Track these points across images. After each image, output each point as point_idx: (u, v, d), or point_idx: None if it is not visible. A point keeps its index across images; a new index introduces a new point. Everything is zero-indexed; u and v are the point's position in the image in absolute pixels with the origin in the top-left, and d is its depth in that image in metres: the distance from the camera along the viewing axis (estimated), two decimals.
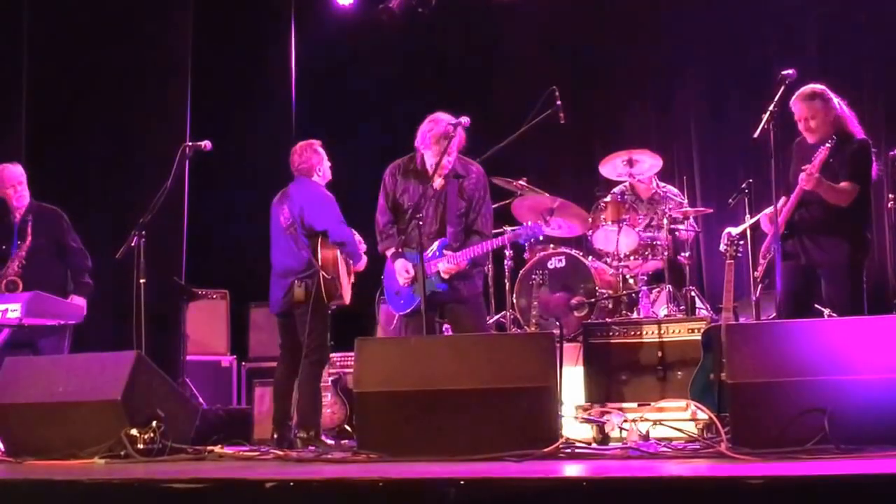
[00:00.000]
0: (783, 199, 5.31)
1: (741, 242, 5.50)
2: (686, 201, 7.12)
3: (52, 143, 8.08)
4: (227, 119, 8.79)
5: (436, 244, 5.38)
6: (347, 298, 5.83)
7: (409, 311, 5.40)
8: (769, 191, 5.21)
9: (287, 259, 5.77)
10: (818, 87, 5.33)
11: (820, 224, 5.25)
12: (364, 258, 5.89)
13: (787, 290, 5.22)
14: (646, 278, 6.76)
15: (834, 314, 5.22)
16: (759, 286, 5.67)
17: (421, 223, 5.19)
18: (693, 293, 6.52)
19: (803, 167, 5.18)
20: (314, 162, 5.89)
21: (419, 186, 5.42)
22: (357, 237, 5.88)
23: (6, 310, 5.65)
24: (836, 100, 5.32)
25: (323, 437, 5.73)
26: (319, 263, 5.63)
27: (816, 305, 5.48)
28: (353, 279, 5.94)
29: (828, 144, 5.16)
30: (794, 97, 5.30)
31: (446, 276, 5.31)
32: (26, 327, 5.77)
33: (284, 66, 9.40)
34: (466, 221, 5.44)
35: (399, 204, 5.51)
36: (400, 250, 5.41)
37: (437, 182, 5.41)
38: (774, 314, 5.60)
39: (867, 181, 5.33)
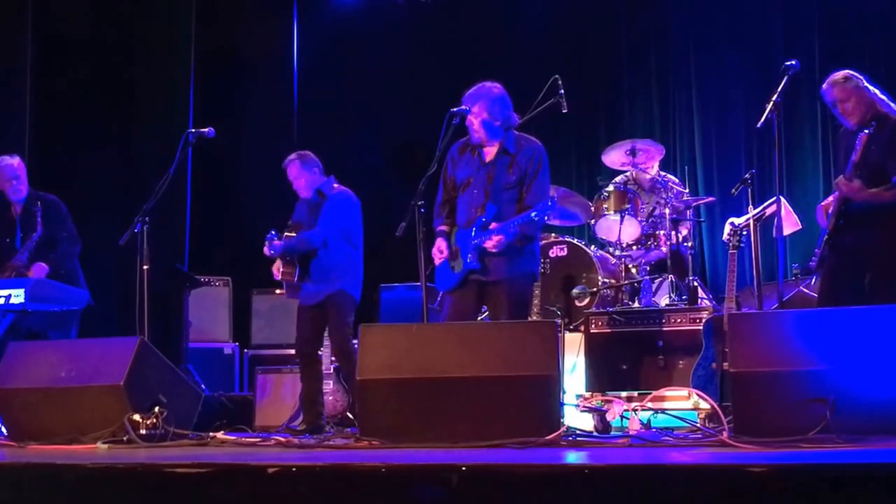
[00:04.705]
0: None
1: (744, 232, 5.49)
2: (688, 190, 7.11)
3: (55, 130, 8.09)
4: (230, 106, 8.80)
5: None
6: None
7: (446, 289, 5.24)
8: (772, 180, 5.20)
9: None
10: (848, 71, 5.14)
11: (872, 213, 5.01)
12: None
13: (833, 282, 5.09)
14: (648, 268, 6.75)
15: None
16: (814, 277, 5.60)
17: (469, 197, 5.08)
18: (695, 283, 6.51)
19: (838, 179, 5.02)
20: None
21: (474, 160, 5.24)
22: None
23: (9, 295, 5.65)
24: (866, 82, 5.14)
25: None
26: None
27: None
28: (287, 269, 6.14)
29: (866, 131, 4.97)
30: (824, 84, 5.14)
31: (493, 250, 4.99)
32: (31, 313, 5.77)
33: (287, 53, 9.40)
34: (518, 196, 5.09)
35: (455, 180, 5.29)
36: (445, 228, 5.25)
37: (488, 153, 5.20)
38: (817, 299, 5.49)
39: None
